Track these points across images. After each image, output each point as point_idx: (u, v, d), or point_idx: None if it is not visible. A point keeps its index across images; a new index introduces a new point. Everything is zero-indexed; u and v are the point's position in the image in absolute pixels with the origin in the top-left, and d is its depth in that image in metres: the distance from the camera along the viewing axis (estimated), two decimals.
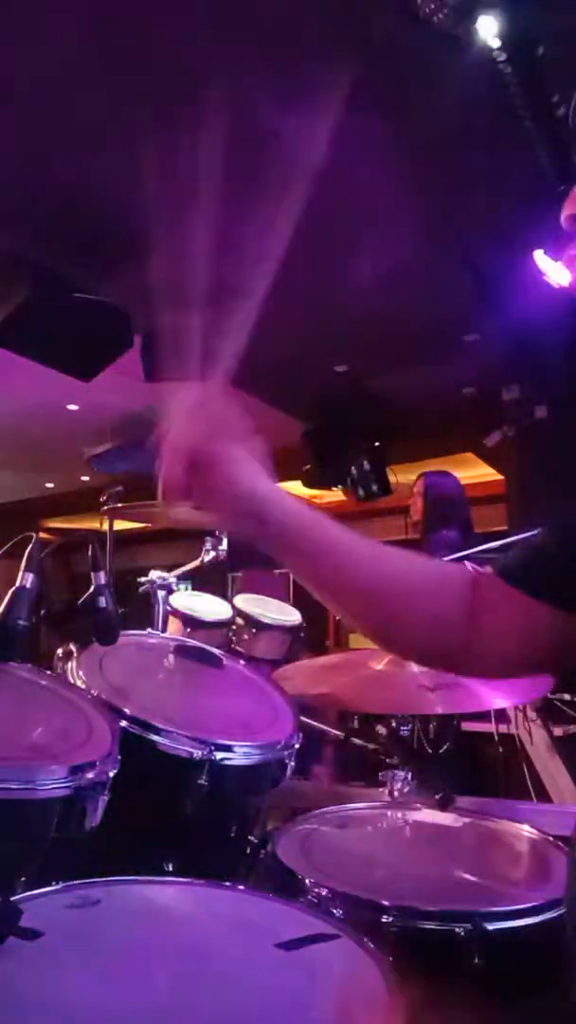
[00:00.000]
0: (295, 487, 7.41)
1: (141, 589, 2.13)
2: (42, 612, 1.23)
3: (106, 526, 3.34)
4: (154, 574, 2.14)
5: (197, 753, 1.23)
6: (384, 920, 1.05)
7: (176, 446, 0.80)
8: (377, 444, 6.69)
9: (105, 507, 2.57)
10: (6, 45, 3.04)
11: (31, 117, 3.41)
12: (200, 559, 2.18)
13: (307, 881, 1.13)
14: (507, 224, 3.92)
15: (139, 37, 3.02)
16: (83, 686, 1.32)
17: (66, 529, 9.26)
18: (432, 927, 1.04)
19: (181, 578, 2.20)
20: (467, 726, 2.88)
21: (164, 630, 2.10)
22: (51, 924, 0.88)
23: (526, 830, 1.38)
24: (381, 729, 1.63)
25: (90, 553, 1.27)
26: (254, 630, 2.36)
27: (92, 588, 1.26)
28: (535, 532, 0.87)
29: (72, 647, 1.40)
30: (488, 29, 2.70)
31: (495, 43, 2.74)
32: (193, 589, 2.40)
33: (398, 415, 6.40)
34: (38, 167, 3.75)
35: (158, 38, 3.02)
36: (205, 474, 0.80)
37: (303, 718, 1.56)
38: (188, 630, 2.20)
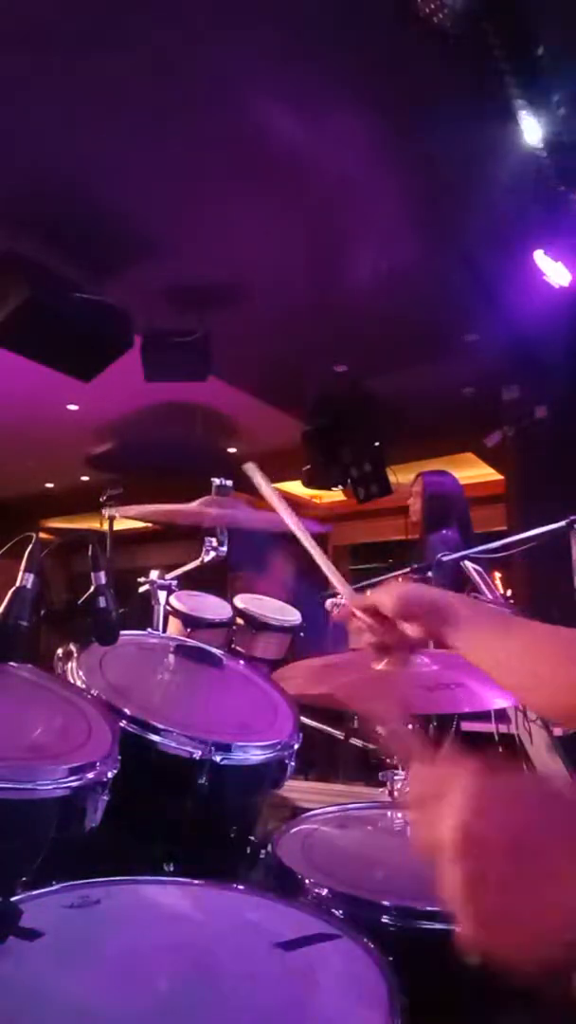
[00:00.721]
0: (295, 487, 7.40)
1: (141, 589, 2.13)
2: (42, 612, 1.22)
3: (106, 526, 3.34)
4: (154, 574, 2.14)
5: (197, 753, 1.23)
6: (384, 920, 1.04)
7: None
8: (377, 444, 6.69)
9: (105, 507, 2.57)
10: (6, 44, 3.04)
11: (32, 118, 3.41)
12: (200, 559, 2.18)
13: (307, 881, 1.13)
14: (507, 224, 3.92)
15: (137, 38, 3.02)
16: (83, 686, 1.32)
17: (66, 529, 9.26)
18: (432, 927, 1.04)
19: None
20: (467, 726, 2.86)
21: (164, 630, 2.10)
22: (51, 924, 0.88)
23: None
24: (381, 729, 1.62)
25: (90, 553, 1.26)
26: (254, 630, 2.36)
27: (92, 588, 1.25)
28: None
29: (72, 647, 1.39)
30: (488, 30, 2.70)
31: (495, 43, 2.74)
32: (193, 589, 2.40)
33: (398, 415, 6.40)
34: (39, 167, 3.75)
35: (156, 39, 3.02)
36: None
37: (303, 718, 1.56)
38: (188, 630, 2.20)
